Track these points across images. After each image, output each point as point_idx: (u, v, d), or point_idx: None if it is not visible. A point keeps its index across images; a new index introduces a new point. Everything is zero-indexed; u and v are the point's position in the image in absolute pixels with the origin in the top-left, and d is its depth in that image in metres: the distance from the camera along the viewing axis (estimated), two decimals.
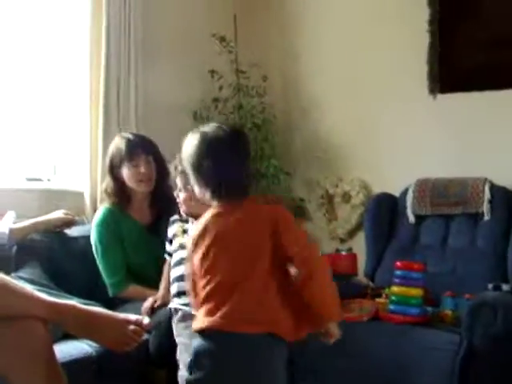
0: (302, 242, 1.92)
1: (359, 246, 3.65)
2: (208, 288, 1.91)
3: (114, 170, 3.06)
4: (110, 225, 3.02)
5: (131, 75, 3.66)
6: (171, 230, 2.70)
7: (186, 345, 2.43)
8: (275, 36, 4.39)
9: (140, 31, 3.73)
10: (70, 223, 3.15)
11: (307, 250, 1.91)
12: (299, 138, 4.28)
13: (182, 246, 2.58)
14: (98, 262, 3.02)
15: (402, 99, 3.83)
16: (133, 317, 2.14)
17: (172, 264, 2.61)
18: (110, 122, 3.56)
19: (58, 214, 3.14)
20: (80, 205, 3.50)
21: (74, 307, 2.09)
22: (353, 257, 3.23)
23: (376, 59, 3.94)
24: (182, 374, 2.43)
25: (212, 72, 4.00)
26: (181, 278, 2.49)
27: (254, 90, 4.07)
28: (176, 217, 2.71)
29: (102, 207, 3.10)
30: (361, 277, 3.41)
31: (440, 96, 3.70)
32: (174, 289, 2.53)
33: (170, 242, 2.70)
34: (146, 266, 3.01)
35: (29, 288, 2.10)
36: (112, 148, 3.10)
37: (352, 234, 4.01)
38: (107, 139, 3.49)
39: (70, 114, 3.62)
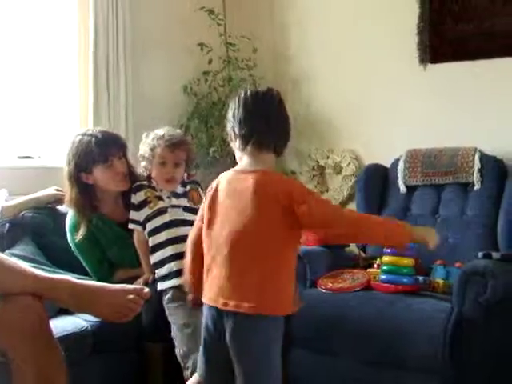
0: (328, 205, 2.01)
1: None
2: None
3: (78, 174, 2.79)
4: (79, 228, 2.83)
5: (120, 50, 3.65)
6: (138, 197, 2.67)
7: (178, 325, 2.47)
8: (265, 8, 4.37)
9: (128, 6, 3.71)
10: (61, 200, 3.14)
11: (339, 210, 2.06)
12: (290, 110, 4.17)
13: (158, 212, 2.60)
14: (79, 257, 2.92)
15: (393, 70, 3.82)
16: (130, 286, 2.15)
17: (149, 231, 2.61)
18: (101, 97, 3.56)
19: (50, 190, 3.14)
20: None
21: (68, 282, 2.10)
22: None
23: (366, 31, 3.93)
24: (179, 351, 2.47)
25: (201, 45, 3.98)
26: (165, 244, 2.53)
27: (243, 63, 4.05)
28: (141, 182, 2.69)
29: (71, 213, 2.89)
30: (352, 247, 3.42)
31: (430, 66, 3.69)
32: (159, 256, 2.56)
33: (138, 208, 2.66)
34: (127, 259, 2.86)
35: (23, 264, 2.11)
36: (76, 150, 2.79)
37: (344, 204, 4.03)
38: (97, 114, 3.51)
39: (61, 91, 3.60)
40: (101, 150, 2.77)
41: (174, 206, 2.64)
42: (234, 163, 3.95)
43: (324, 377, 2.82)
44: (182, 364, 2.47)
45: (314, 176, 4.13)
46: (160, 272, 2.56)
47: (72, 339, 2.41)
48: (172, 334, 2.50)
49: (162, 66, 3.96)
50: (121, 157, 2.86)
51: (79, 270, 2.76)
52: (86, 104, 3.54)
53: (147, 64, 3.88)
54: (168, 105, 3.93)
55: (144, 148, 2.69)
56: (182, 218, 2.62)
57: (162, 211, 2.61)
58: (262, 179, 1.97)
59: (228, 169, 3.90)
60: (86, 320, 2.52)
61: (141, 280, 2.66)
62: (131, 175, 2.87)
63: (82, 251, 2.88)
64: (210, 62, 4.00)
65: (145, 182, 2.69)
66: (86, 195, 2.82)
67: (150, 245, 2.60)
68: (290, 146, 4.05)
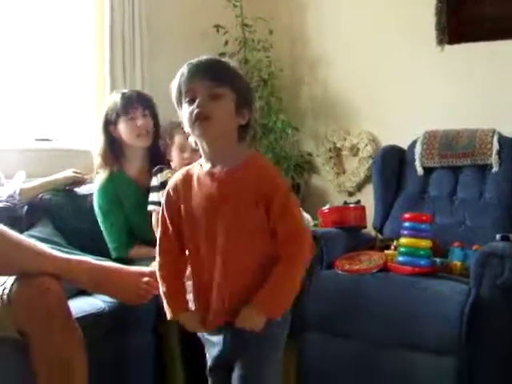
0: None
1: (367, 198, 3.65)
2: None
3: (109, 127, 2.96)
4: (108, 190, 2.95)
5: (136, 33, 3.65)
6: (160, 178, 2.71)
7: None
8: None
9: None
10: (79, 182, 3.17)
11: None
12: (306, 92, 4.26)
13: None
14: (101, 226, 2.99)
15: (410, 51, 3.79)
16: (147, 269, 2.17)
17: None
18: (117, 81, 3.56)
19: (67, 172, 3.16)
20: (88, 163, 3.50)
21: (87, 263, 2.12)
22: (361, 209, 3.23)
23: (383, 12, 3.89)
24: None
25: (217, 27, 3.96)
26: None
27: (259, 44, 4.04)
28: (161, 166, 2.74)
29: (101, 174, 3.00)
30: (369, 229, 3.42)
31: (448, 47, 3.66)
32: None
33: (159, 189, 2.70)
34: (147, 228, 2.86)
35: (42, 246, 2.13)
36: (107, 104, 3.02)
37: (360, 186, 4.03)
38: None
39: (78, 74, 3.61)
40: (125, 103, 2.92)
41: None
42: (249, 145, 4.00)
43: (339, 359, 2.82)
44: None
45: (330, 158, 4.11)
46: None
47: (89, 320, 2.41)
48: None
49: (179, 49, 3.93)
50: (145, 114, 2.96)
51: (97, 252, 2.77)
52: (103, 87, 3.54)
53: (163, 47, 3.87)
54: None
55: (164, 136, 2.77)
56: None
57: None
58: None
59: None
60: (103, 301, 2.52)
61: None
62: (156, 135, 2.99)
63: (104, 213, 2.95)
64: (226, 43, 3.99)
65: (162, 166, 2.73)
66: (113, 147, 2.97)
67: None
68: (307, 128, 4.19)
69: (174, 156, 2.73)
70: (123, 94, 2.98)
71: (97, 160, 3.02)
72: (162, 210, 1.88)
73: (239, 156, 1.80)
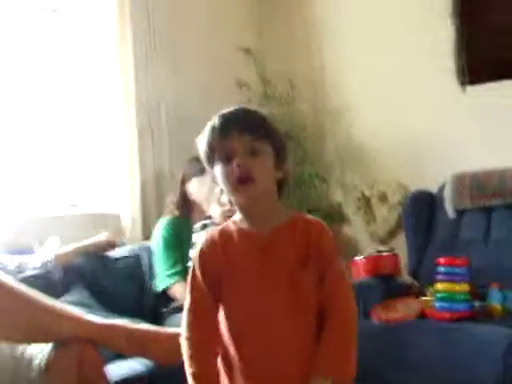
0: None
1: (400, 245, 3.63)
2: None
3: (184, 183, 3.24)
4: (174, 228, 3.16)
5: (160, 93, 3.71)
6: (202, 236, 2.66)
7: None
8: (300, 44, 4.40)
9: (166, 45, 3.79)
10: (112, 245, 3.20)
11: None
12: (332, 142, 4.27)
13: None
14: (156, 258, 3.14)
15: (432, 95, 3.79)
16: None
17: None
18: (145, 146, 3.62)
19: (101, 236, 3.19)
20: (118, 226, 3.55)
21: (124, 327, 2.11)
22: (394, 257, 3.21)
23: (403, 58, 3.90)
24: None
25: (240, 84, 4.01)
26: None
27: (282, 99, 4.08)
28: (204, 222, 2.74)
29: (166, 217, 3.25)
30: (404, 276, 3.38)
31: (470, 88, 3.66)
32: None
33: None
34: None
35: (78, 311, 2.13)
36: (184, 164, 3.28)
37: (392, 234, 3.99)
38: (143, 158, 3.56)
39: (106, 140, 3.68)
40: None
41: None
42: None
43: None
44: None
45: (360, 207, 4.10)
46: None
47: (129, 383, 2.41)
48: None
49: (202, 106, 3.99)
50: None
51: (131, 315, 2.77)
52: (132, 149, 3.59)
53: (188, 104, 3.92)
54: None
55: (204, 188, 2.77)
56: None
57: None
58: None
59: None
60: (141, 363, 2.50)
61: None
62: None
63: (167, 243, 3.13)
64: (249, 100, 4.03)
65: (208, 221, 2.73)
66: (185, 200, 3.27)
67: None
68: (334, 178, 4.19)
69: (214, 208, 2.71)
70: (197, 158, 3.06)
71: (166, 207, 3.32)
72: (194, 277, 1.60)
73: (282, 213, 1.62)
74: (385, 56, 4.00)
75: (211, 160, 1.59)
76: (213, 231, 1.65)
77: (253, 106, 1.80)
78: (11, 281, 2.02)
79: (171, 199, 3.29)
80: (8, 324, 1.96)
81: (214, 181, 1.62)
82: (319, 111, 4.30)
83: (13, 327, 1.95)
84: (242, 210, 1.60)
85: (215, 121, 1.61)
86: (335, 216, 4.17)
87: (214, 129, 1.60)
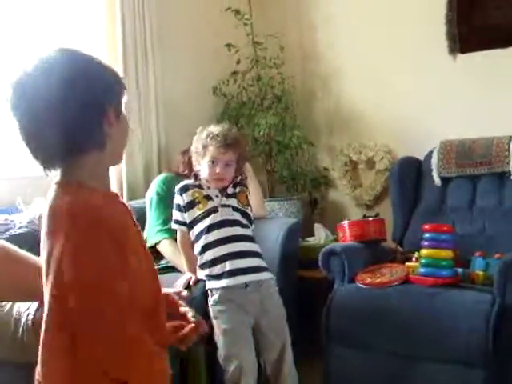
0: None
1: (386, 211, 3.64)
2: None
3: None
4: (169, 185, 3.11)
5: (148, 53, 3.68)
6: (185, 198, 2.64)
7: (221, 329, 2.48)
8: (291, 5, 4.36)
9: (155, 9, 3.73)
10: None
11: None
12: (320, 107, 4.26)
13: (208, 212, 2.60)
14: (149, 213, 3.15)
15: (423, 62, 3.79)
16: (170, 290, 2.17)
17: (199, 231, 2.59)
18: (131, 100, 3.57)
19: None
20: None
21: None
22: (381, 222, 3.23)
23: (393, 23, 3.90)
24: (220, 355, 2.48)
25: (228, 46, 3.97)
26: (216, 243, 2.54)
27: (271, 62, 4.05)
28: (186, 182, 2.68)
29: (163, 174, 3.29)
30: (389, 242, 3.40)
31: (460, 56, 3.66)
32: (210, 255, 2.55)
33: (185, 210, 2.64)
34: None
35: None
36: None
37: (378, 199, 4.01)
38: (128, 118, 3.51)
39: None
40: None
41: (224, 206, 2.62)
42: (265, 162, 4.00)
43: (362, 371, 2.81)
44: (222, 366, 2.50)
45: (346, 172, 4.10)
46: (212, 271, 2.53)
47: None
48: (214, 336, 2.51)
49: (191, 68, 3.98)
50: None
51: None
52: None
53: (176, 66, 3.90)
54: (198, 106, 3.94)
55: (197, 144, 2.67)
56: (233, 217, 2.61)
57: (212, 211, 2.59)
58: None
59: (260, 168, 3.97)
60: None
61: (182, 280, 2.66)
62: None
63: (160, 200, 3.14)
64: (238, 62, 4.00)
65: (191, 182, 2.67)
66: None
67: (201, 244, 2.57)
68: (322, 143, 4.19)
69: (204, 168, 2.65)
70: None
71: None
72: None
73: None
74: (376, 21, 3.98)
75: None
76: None
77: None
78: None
79: (181, 158, 3.26)
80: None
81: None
82: (308, 75, 4.28)
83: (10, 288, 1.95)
84: None
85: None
86: (322, 180, 4.18)
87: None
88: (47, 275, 1.32)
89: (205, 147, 2.63)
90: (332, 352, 2.85)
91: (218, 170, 2.61)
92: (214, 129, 2.66)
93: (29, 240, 2.83)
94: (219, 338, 2.49)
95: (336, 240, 3.44)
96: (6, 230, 2.91)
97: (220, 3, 3.97)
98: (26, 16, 3.43)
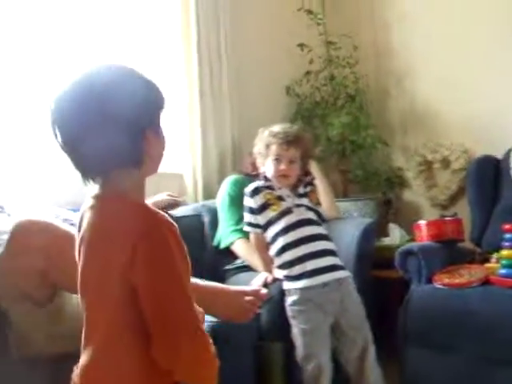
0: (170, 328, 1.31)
1: (461, 211, 3.56)
2: None
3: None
4: (239, 186, 3.12)
5: (222, 54, 3.71)
6: (257, 200, 2.65)
7: (300, 328, 2.48)
8: (364, 4, 4.33)
9: (229, 10, 3.77)
10: (174, 204, 3.23)
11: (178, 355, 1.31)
12: (395, 106, 4.22)
13: (283, 213, 2.60)
14: (221, 215, 3.17)
15: (499, 60, 3.69)
16: (248, 288, 2.18)
17: (275, 233, 2.60)
18: (205, 102, 3.62)
19: (162, 196, 3.22)
20: (181, 186, 3.59)
21: (191, 284, 2.14)
22: (458, 222, 3.15)
23: (468, 21, 3.82)
24: (299, 354, 2.49)
25: (301, 45, 3.98)
26: (294, 244, 2.54)
27: (345, 61, 4.03)
28: (257, 185, 2.68)
29: (233, 176, 3.29)
30: (466, 242, 3.33)
31: None
32: (288, 257, 2.55)
33: (258, 212, 2.65)
34: None
35: None
36: None
37: (453, 199, 3.93)
38: (204, 119, 3.57)
39: (167, 98, 3.67)
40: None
41: (297, 206, 2.63)
42: (338, 162, 3.99)
43: (440, 373, 2.76)
44: (301, 366, 2.50)
45: (421, 171, 4.04)
46: (291, 272, 2.53)
47: None
48: (292, 335, 2.52)
49: (264, 68, 4.00)
50: None
51: (193, 274, 2.81)
52: (192, 110, 3.61)
53: (249, 66, 3.93)
54: (271, 106, 3.96)
55: (259, 145, 2.72)
56: (308, 217, 2.62)
57: (286, 211, 2.60)
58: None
59: (333, 168, 3.95)
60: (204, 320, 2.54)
61: (260, 279, 2.67)
62: None
63: (232, 200, 3.15)
64: (310, 62, 4.00)
65: (261, 183, 2.69)
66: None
67: (278, 246, 2.58)
68: (396, 142, 4.14)
69: (269, 166, 2.68)
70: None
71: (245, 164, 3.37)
72: None
73: None
74: (450, 19, 3.91)
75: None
76: None
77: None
78: None
79: (249, 159, 3.25)
80: None
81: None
82: (382, 74, 4.24)
83: None
84: None
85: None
86: (396, 180, 4.13)
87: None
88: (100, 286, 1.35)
89: (267, 146, 2.67)
90: (409, 353, 2.81)
91: (282, 167, 2.63)
92: (275, 127, 2.71)
93: None
94: (298, 338, 2.50)
95: (411, 240, 3.39)
96: None
97: (293, 3, 3.99)
98: (103, 22, 3.52)
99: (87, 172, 1.37)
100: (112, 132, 1.31)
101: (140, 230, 1.30)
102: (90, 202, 1.40)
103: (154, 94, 1.41)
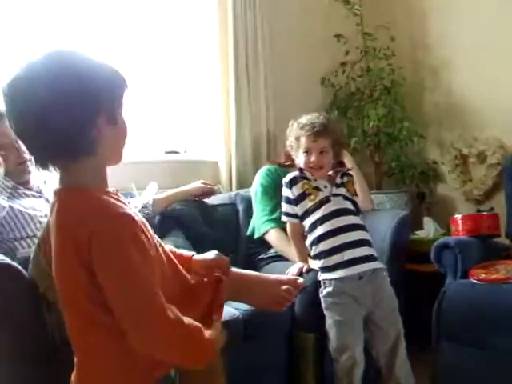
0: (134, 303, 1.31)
1: (497, 207, 3.51)
2: None
3: None
4: (272, 176, 3.15)
5: (259, 44, 3.70)
6: (295, 191, 2.63)
7: (334, 320, 2.47)
8: None
9: (265, 0, 3.75)
10: (208, 192, 3.24)
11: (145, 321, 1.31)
12: (430, 98, 4.17)
13: (321, 203, 2.59)
14: (254, 205, 3.17)
15: None
16: (284, 277, 2.18)
17: (312, 222, 2.58)
18: (242, 92, 3.62)
19: (197, 184, 3.24)
20: (216, 174, 3.59)
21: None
22: (495, 217, 3.11)
23: (507, 12, 3.75)
24: (332, 345, 2.48)
25: (338, 36, 3.95)
26: (331, 234, 2.53)
27: (381, 52, 3.99)
28: (294, 175, 2.67)
29: (266, 166, 3.27)
30: (502, 238, 3.29)
31: None
32: (325, 246, 2.54)
33: (296, 202, 2.63)
34: None
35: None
36: None
37: (488, 194, 3.89)
38: (239, 108, 3.57)
39: (204, 87, 3.70)
40: None
41: (335, 195, 2.62)
42: (373, 154, 3.96)
43: (474, 370, 2.72)
44: (334, 357, 2.49)
45: (456, 165, 4.00)
46: (327, 262, 2.52)
47: (225, 327, 2.44)
48: (326, 326, 2.51)
49: (300, 58, 3.99)
50: None
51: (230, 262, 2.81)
52: (228, 100, 3.60)
53: (285, 57, 3.92)
54: (306, 97, 3.94)
55: (290, 138, 2.72)
56: (345, 206, 2.61)
57: (324, 201, 2.59)
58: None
59: (367, 160, 3.92)
60: (236, 308, 2.55)
61: (295, 269, 2.66)
62: None
63: (264, 190, 3.14)
64: (347, 53, 3.97)
65: (297, 174, 2.67)
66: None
67: (315, 235, 2.56)
68: (431, 136, 4.09)
69: (300, 158, 2.68)
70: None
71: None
72: None
73: None
74: (488, 9, 3.84)
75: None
76: None
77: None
78: None
79: (283, 148, 3.21)
80: None
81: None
82: (419, 66, 4.19)
83: None
84: None
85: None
86: (430, 173, 4.09)
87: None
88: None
89: (297, 139, 2.67)
90: (443, 348, 2.78)
91: (312, 159, 2.63)
92: (303, 119, 2.69)
93: None
94: (331, 329, 2.49)
95: (445, 234, 3.36)
96: None
97: None
98: (139, 20, 3.56)
99: (40, 161, 1.36)
100: (55, 121, 1.28)
101: (93, 224, 1.29)
102: (52, 198, 1.41)
103: (105, 80, 1.35)
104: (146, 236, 1.36)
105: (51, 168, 1.37)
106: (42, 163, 1.36)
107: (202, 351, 1.40)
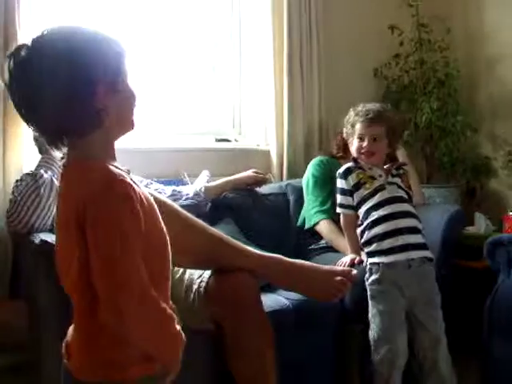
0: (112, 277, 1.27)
1: None
2: None
3: None
4: (324, 167, 3.17)
5: (313, 34, 3.69)
6: (350, 181, 2.63)
7: (378, 309, 2.46)
8: None
9: None
10: (260, 181, 3.25)
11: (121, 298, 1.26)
12: (485, 92, 4.11)
13: (376, 190, 2.59)
14: (306, 195, 3.17)
15: None
16: (338, 268, 2.19)
17: (367, 208, 2.57)
18: (294, 82, 3.61)
19: (249, 172, 3.25)
20: (267, 163, 3.60)
21: (280, 259, 2.17)
22: None
23: None
24: (373, 334, 2.48)
25: (392, 28, 3.91)
26: (384, 219, 2.53)
27: (436, 45, 3.94)
28: (348, 165, 2.67)
29: (317, 157, 3.27)
30: None
31: None
32: (378, 231, 2.52)
33: (350, 193, 2.63)
34: None
35: (237, 242, 2.20)
36: None
37: None
38: (292, 98, 3.56)
39: (258, 78, 3.71)
40: None
41: (390, 183, 2.62)
42: (424, 148, 3.92)
43: None
44: (373, 347, 2.48)
45: (509, 162, 3.93)
46: (380, 246, 2.50)
47: (274, 316, 2.45)
48: (370, 316, 2.50)
49: (353, 49, 3.96)
50: None
51: (278, 251, 2.82)
52: (281, 89, 3.60)
53: (338, 47, 3.90)
54: (359, 88, 3.90)
55: (347, 125, 2.77)
56: (399, 194, 2.61)
57: (379, 188, 2.59)
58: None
59: (418, 154, 3.88)
60: (287, 298, 2.56)
61: (347, 259, 2.66)
62: None
63: (316, 181, 3.16)
64: (401, 44, 3.93)
65: (351, 164, 2.67)
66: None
67: (369, 220, 2.55)
68: (484, 130, 4.04)
69: (353, 144, 2.71)
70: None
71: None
72: None
73: None
74: None
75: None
76: None
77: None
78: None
79: (335, 140, 3.26)
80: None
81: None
82: (474, 60, 4.13)
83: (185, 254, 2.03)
84: None
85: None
86: (482, 169, 4.03)
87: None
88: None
89: (353, 126, 2.72)
90: (494, 347, 2.75)
91: (364, 144, 2.65)
92: (359, 106, 2.76)
93: (194, 212, 2.96)
94: (375, 319, 2.47)
95: (497, 231, 3.32)
96: (174, 201, 3.03)
97: None
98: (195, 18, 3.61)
99: (50, 142, 1.36)
100: (53, 94, 1.28)
101: (90, 191, 1.28)
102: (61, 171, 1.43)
103: (98, 49, 1.33)
104: (144, 208, 1.33)
105: (63, 148, 1.37)
106: (54, 143, 1.36)
107: (173, 341, 1.36)
